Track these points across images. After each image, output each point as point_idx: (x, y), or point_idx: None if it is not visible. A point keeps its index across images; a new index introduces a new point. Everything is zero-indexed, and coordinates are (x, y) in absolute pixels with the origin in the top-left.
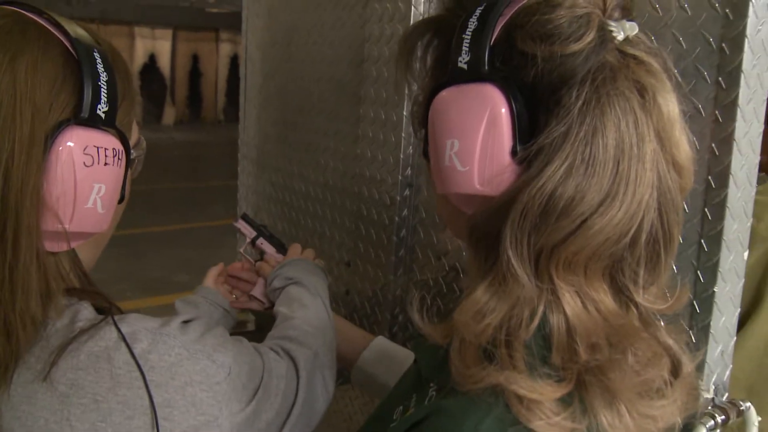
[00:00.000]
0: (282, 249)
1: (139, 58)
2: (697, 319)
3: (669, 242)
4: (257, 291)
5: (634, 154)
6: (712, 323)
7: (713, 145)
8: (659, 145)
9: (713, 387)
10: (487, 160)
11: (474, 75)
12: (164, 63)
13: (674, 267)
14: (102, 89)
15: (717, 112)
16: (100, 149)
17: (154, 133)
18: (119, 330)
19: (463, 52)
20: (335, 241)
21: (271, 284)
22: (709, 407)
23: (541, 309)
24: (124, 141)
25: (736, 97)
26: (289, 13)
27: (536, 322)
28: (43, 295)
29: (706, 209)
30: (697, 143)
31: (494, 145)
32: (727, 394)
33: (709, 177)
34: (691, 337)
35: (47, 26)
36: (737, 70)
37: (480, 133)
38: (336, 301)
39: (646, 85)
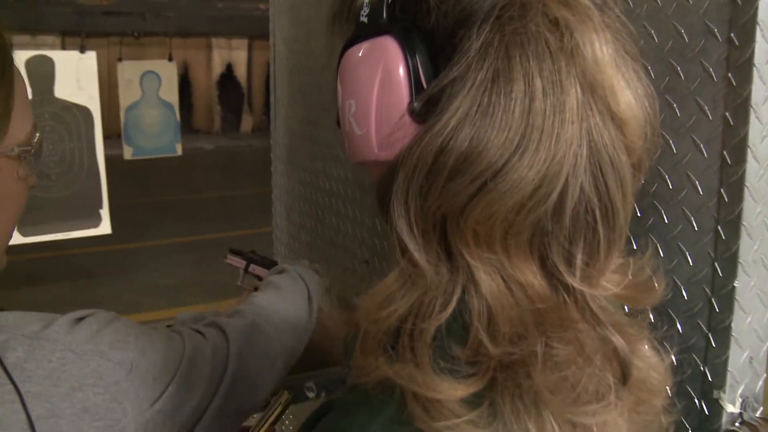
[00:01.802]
0: (272, 265)
1: (217, 68)
2: (716, 319)
3: (609, 213)
4: None
5: (550, 103)
6: (733, 325)
7: (727, 113)
8: (588, 94)
9: (740, 400)
10: (383, 120)
11: (373, 28)
12: (241, 72)
13: (660, 250)
14: None
15: (729, 74)
16: None
17: (233, 140)
18: None
19: (365, 4)
20: (357, 239)
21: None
22: (737, 424)
23: (457, 294)
24: None
25: (752, 54)
26: (308, 6)
27: (449, 309)
28: None
29: (722, 190)
30: (709, 112)
31: (389, 103)
32: (761, 409)
33: (724, 151)
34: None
35: None
36: (752, 22)
37: (374, 90)
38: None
39: (562, 23)
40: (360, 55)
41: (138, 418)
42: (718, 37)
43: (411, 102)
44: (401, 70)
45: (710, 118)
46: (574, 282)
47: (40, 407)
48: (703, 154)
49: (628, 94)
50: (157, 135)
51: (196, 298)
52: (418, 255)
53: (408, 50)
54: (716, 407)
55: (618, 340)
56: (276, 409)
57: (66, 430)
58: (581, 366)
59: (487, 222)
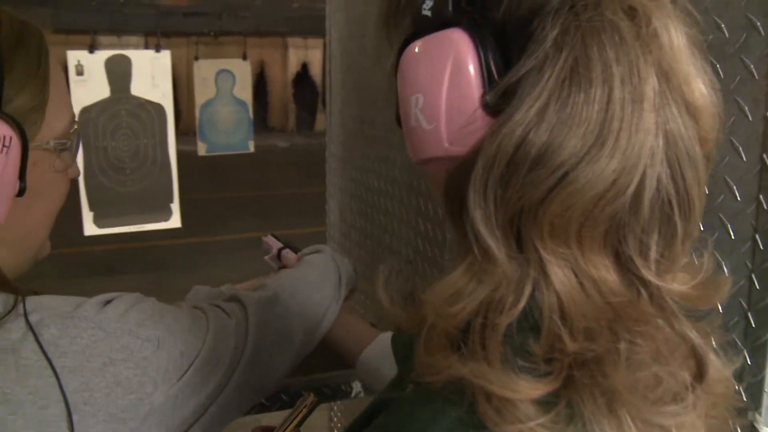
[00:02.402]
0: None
1: (292, 67)
2: (752, 335)
3: (685, 204)
4: None
5: (628, 92)
6: None
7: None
8: (665, 83)
9: None
10: (454, 114)
11: (438, 21)
12: (316, 71)
13: (720, 260)
14: None
15: None
16: None
17: (307, 138)
18: (27, 320)
19: None
20: (402, 238)
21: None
22: None
23: (528, 289)
24: (18, 127)
25: None
26: (362, 4)
27: (521, 304)
28: None
29: (760, 196)
30: (749, 112)
31: (461, 96)
32: None
33: (764, 155)
34: (731, 336)
35: None
36: None
37: (444, 83)
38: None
39: (639, 10)
40: (426, 49)
41: (167, 392)
42: (761, 31)
43: (484, 94)
44: (473, 63)
45: (750, 118)
46: (650, 276)
47: (75, 381)
48: (742, 158)
49: (701, 84)
50: (230, 132)
51: None
52: (496, 248)
53: (479, 42)
54: (751, 430)
55: (696, 337)
56: (302, 410)
57: (101, 403)
58: (660, 364)
59: (565, 214)
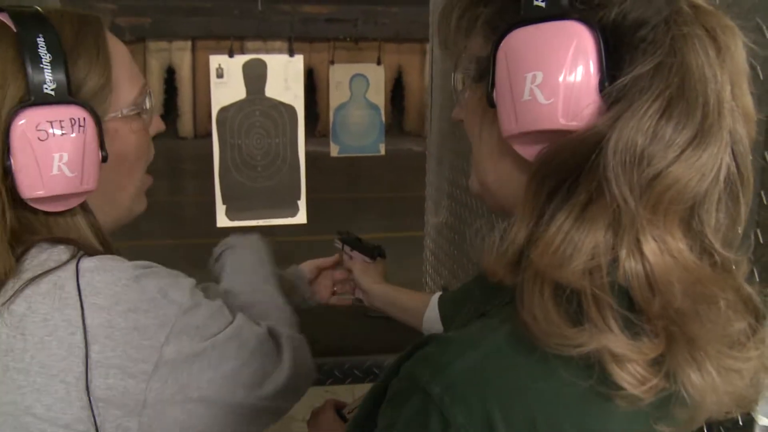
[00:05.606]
0: (374, 251)
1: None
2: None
3: (745, 182)
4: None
5: (716, 98)
6: None
7: None
8: (731, 92)
9: None
10: (573, 94)
11: (553, 12)
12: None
13: None
14: (46, 70)
15: None
16: (54, 122)
17: None
18: (77, 265)
19: None
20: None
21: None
22: None
23: (623, 253)
24: (88, 108)
25: None
26: None
27: (622, 269)
28: (10, 243)
29: (761, 192)
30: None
31: (581, 79)
32: None
33: (765, 152)
34: None
35: (8, 24)
36: None
37: (566, 65)
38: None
39: (719, 33)
40: (547, 34)
41: (178, 352)
42: (766, 34)
43: (600, 81)
44: (593, 52)
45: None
46: (718, 245)
47: (101, 317)
48: None
49: (750, 99)
50: (362, 135)
51: None
52: (625, 208)
53: (598, 36)
54: (749, 419)
55: (754, 295)
56: None
57: (119, 340)
58: (728, 318)
59: (665, 193)
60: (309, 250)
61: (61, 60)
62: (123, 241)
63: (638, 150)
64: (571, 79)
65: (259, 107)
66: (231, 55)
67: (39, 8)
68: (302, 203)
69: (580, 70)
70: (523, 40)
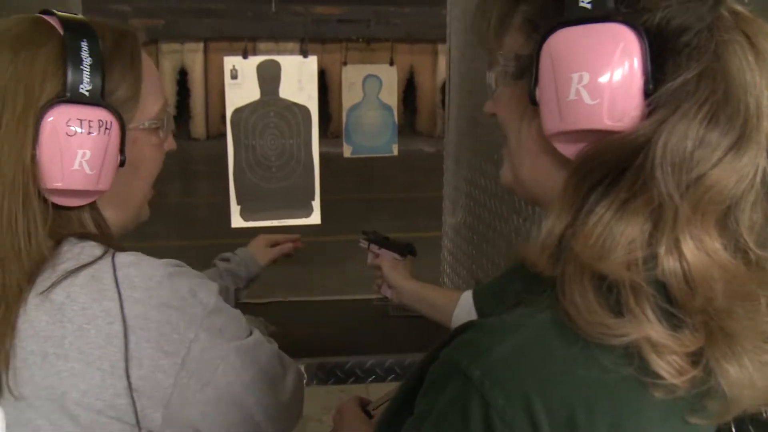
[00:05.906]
0: (405, 249)
1: (441, 74)
2: None
3: None
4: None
5: (755, 104)
6: None
7: None
8: None
9: None
10: (618, 96)
11: (599, 14)
12: None
13: None
14: (85, 72)
15: None
16: (83, 121)
17: None
18: (113, 259)
19: None
20: (504, 236)
21: None
22: None
23: (662, 250)
24: (116, 113)
25: None
26: None
27: (660, 266)
28: (46, 235)
29: None
30: None
31: (626, 81)
32: None
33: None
34: None
35: (57, 27)
36: None
37: (612, 67)
38: None
39: (756, 39)
40: (594, 35)
41: (204, 346)
42: None
43: (646, 84)
44: (639, 55)
45: None
46: (752, 245)
47: (137, 309)
48: None
49: None
50: (374, 135)
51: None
52: (670, 205)
53: (644, 40)
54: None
55: None
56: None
57: (153, 332)
58: (763, 314)
59: (702, 197)
60: (326, 251)
61: (99, 65)
62: (135, 242)
63: (687, 153)
64: (616, 80)
65: (273, 108)
66: (245, 57)
67: (84, 17)
68: (316, 204)
69: (626, 72)
70: (569, 40)
